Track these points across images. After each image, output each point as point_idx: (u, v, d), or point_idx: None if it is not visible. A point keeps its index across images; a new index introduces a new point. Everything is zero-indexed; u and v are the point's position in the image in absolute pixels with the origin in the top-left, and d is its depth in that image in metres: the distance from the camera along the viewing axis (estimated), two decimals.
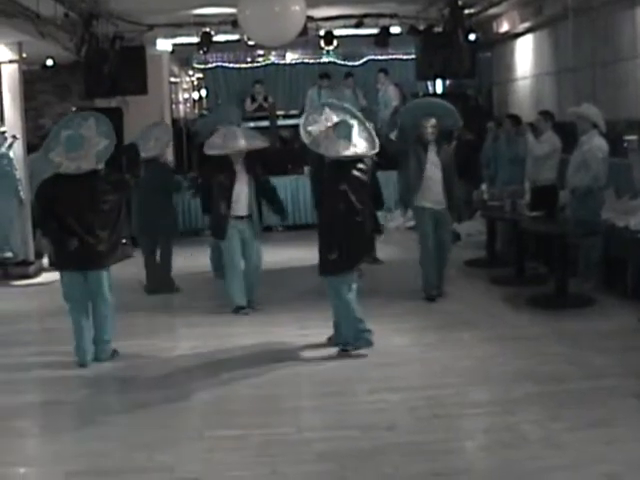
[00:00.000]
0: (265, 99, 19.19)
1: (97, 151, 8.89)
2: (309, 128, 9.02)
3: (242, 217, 10.61)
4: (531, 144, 12.35)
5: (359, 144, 8.88)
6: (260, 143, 10.90)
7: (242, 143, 10.60)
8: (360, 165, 8.88)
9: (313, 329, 9.69)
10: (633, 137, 9.26)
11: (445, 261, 11.13)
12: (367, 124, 9.19)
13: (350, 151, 8.79)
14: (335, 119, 8.97)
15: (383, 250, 12.83)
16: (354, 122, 9.00)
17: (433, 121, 10.78)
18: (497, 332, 9.46)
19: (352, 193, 8.69)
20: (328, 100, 10.11)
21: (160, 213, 11.86)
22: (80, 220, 8.80)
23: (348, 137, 8.81)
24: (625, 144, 9.25)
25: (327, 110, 9.11)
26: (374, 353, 8.86)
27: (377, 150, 9.06)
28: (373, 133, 9.16)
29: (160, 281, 12.09)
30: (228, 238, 10.64)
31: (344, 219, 8.73)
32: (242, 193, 10.57)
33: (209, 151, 10.78)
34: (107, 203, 8.92)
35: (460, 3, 15.80)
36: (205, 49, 17.39)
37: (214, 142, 10.83)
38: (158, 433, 7.01)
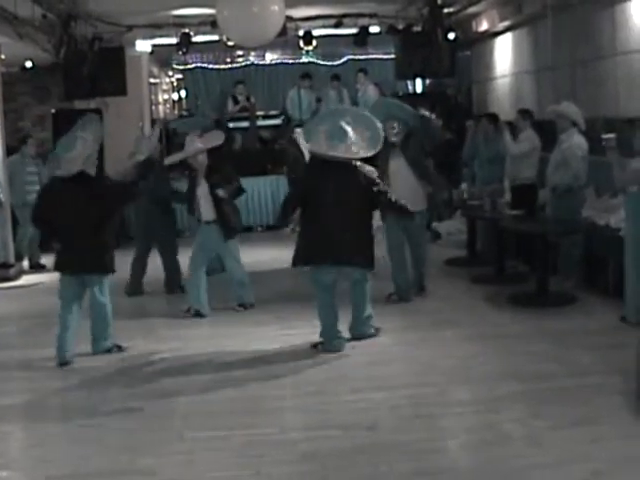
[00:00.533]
0: (247, 99, 19.12)
1: (87, 154, 8.87)
2: (319, 127, 9.04)
3: (209, 222, 10.71)
4: (508, 143, 12.35)
5: (353, 148, 8.84)
6: (215, 141, 10.95)
7: (197, 145, 10.70)
8: (350, 166, 8.87)
9: (295, 329, 9.70)
10: (611, 135, 9.26)
11: (422, 261, 11.12)
12: (381, 135, 9.14)
13: (339, 152, 8.78)
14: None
15: None
16: (367, 133, 8.99)
17: (393, 123, 10.75)
18: (478, 331, 9.46)
19: (332, 189, 8.72)
20: (347, 115, 9.97)
21: (158, 217, 11.84)
22: (69, 224, 8.81)
23: (341, 139, 8.79)
24: (603, 142, 9.26)
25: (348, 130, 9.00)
26: (356, 352, 8.88)
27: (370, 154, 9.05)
28: (379, 144, 9.10)
29: (173, 283, 12.10)
30: (195, 242, 10.88)
31: (318, 213, 8.80)
32: (204, 198, 10.68)
33: (169, 161, 11.10)
34: (102, 209, 8.90)
35: (439, 2, 15.85)
36: (184, 50, 17.41)
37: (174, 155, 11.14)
38: (140, 435, 6.97)
